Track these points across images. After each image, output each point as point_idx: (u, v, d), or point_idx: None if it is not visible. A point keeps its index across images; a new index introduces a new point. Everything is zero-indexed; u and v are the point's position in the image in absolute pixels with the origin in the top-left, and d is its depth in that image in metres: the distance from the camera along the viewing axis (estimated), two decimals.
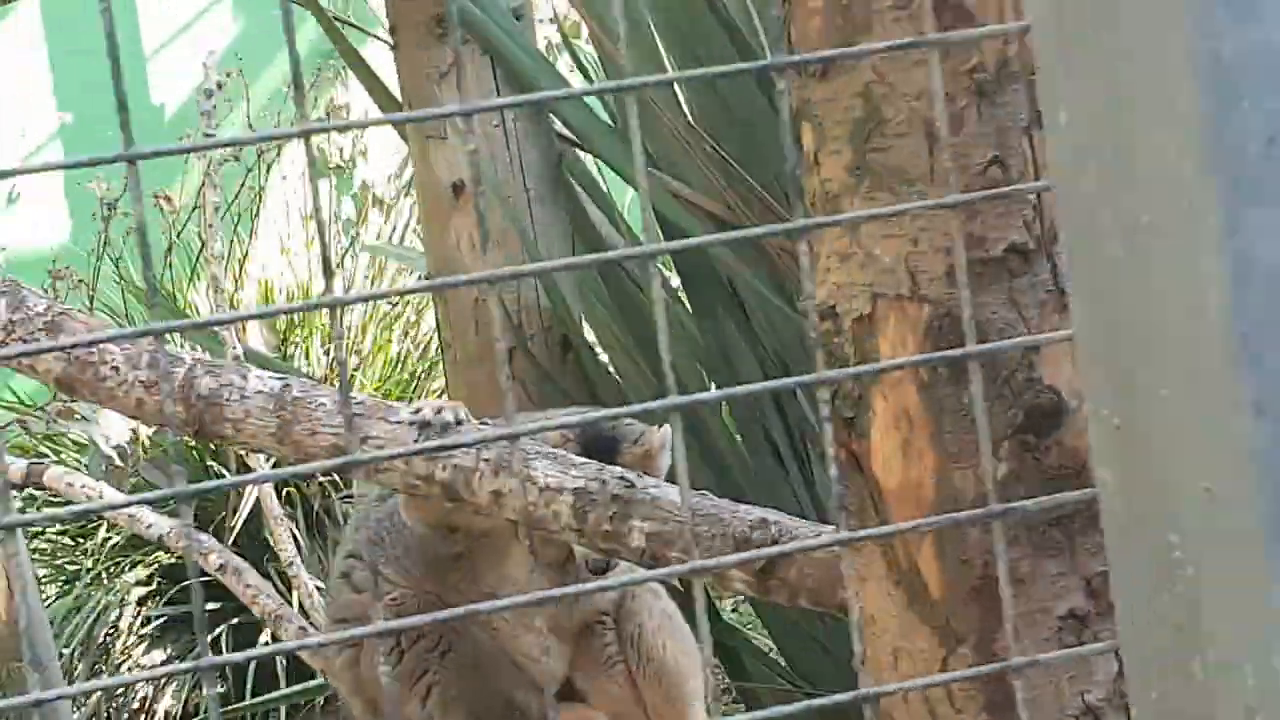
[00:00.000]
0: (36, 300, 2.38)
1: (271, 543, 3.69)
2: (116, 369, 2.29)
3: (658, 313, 0.96)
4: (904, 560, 1.84)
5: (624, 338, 3.92)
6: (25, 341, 2.31)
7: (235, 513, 5.79)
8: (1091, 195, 1.10)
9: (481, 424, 2.31)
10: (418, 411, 2.24)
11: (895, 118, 1.79)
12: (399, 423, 2.24)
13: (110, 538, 7.78)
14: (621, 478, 2.17)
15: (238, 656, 1.73)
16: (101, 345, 2.29)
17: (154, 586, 6.19)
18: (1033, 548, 1.80)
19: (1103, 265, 1.11)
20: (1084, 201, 1.11)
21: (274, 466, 6.03)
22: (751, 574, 2.15)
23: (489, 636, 2.75)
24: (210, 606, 4.68)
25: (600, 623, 2.81)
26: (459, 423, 2.24)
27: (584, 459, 2.21)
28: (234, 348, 3.55)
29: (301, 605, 3.34)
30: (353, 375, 7.40)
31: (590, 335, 4.11)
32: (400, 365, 7.38)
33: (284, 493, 3.65)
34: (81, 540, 7.66)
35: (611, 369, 4.02)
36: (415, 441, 2.21)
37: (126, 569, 9.06)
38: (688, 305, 3.96)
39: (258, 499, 3.98)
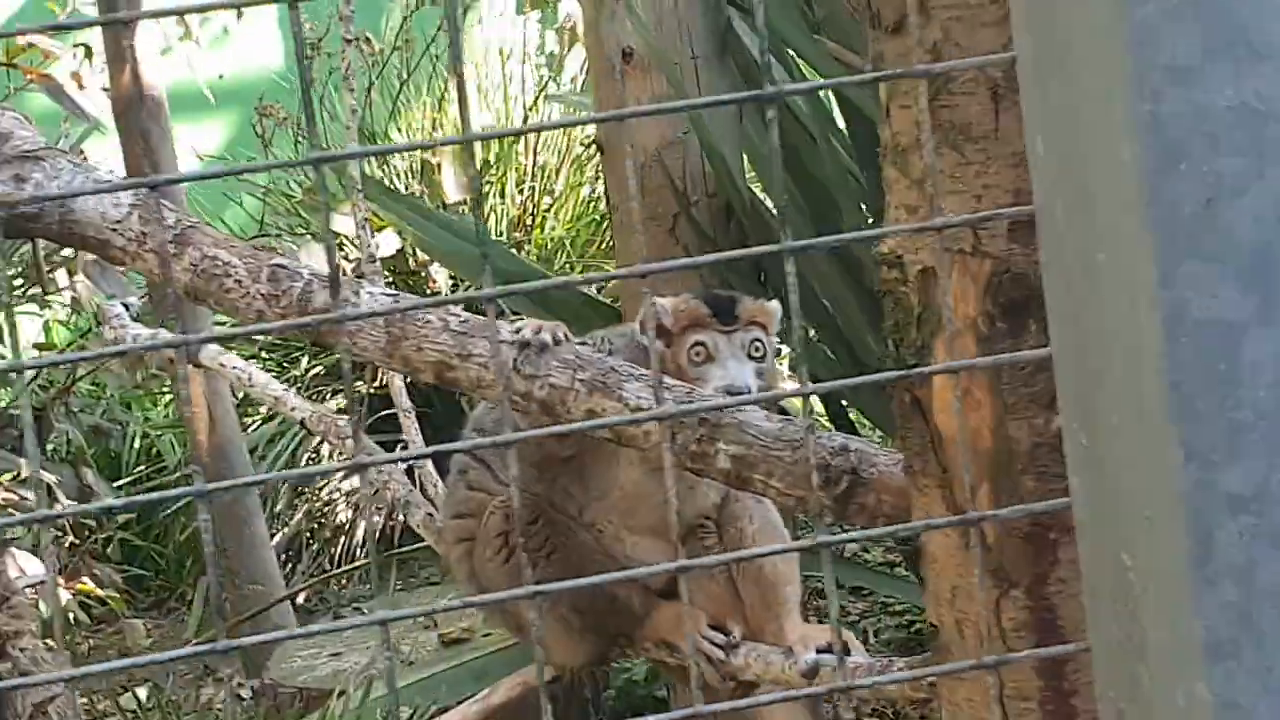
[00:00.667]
0: (168, 213, 2.51)
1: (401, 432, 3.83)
2: (239, 282, 2.41)
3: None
4: (963, 505, 1.91)
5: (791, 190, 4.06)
6: (156, 253, 2.44)
7: (365, 404, 5.97)
8: (1060, 224, 1.15)
9: (579, 343, 2.40)
10: (518, 331, 2.34)
11: (962, 76, 1.83)
12: (502, 341, 2.34)
13: (313, 367, 8.05)
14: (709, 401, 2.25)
15: None
16: (225, 259, 2.42)
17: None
18: None
19: (1070, 290, 1.16)
20: (1055, 228, 1.16)
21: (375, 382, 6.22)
22: (832, 498, 2.23)
23: (593, 537, 2.86)
24: None
25: (703, 525, 2.91)
26: (557, 342, 2.33)
27: (674, 381, 2.29)
28: (372, 247, 3.67)
29: (425, 492, 3.48)
30: (544, 215, 7.55)
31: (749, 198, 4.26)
32: (592, 205, 7.52)
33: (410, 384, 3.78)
34: (286, 368, 7.94)
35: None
36: (516, 361, 2.31)
37: (328, 396, 9.34)
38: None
39: (388, 391, 4.12)
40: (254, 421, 8.88)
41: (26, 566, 4.53)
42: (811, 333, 5.56)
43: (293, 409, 3.48)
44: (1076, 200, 1.12)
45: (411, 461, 3.76)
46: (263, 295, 2.40)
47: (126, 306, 3.94)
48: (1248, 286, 1.01)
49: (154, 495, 1.05)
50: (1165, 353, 1.05)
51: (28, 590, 4.02)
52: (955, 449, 1.90)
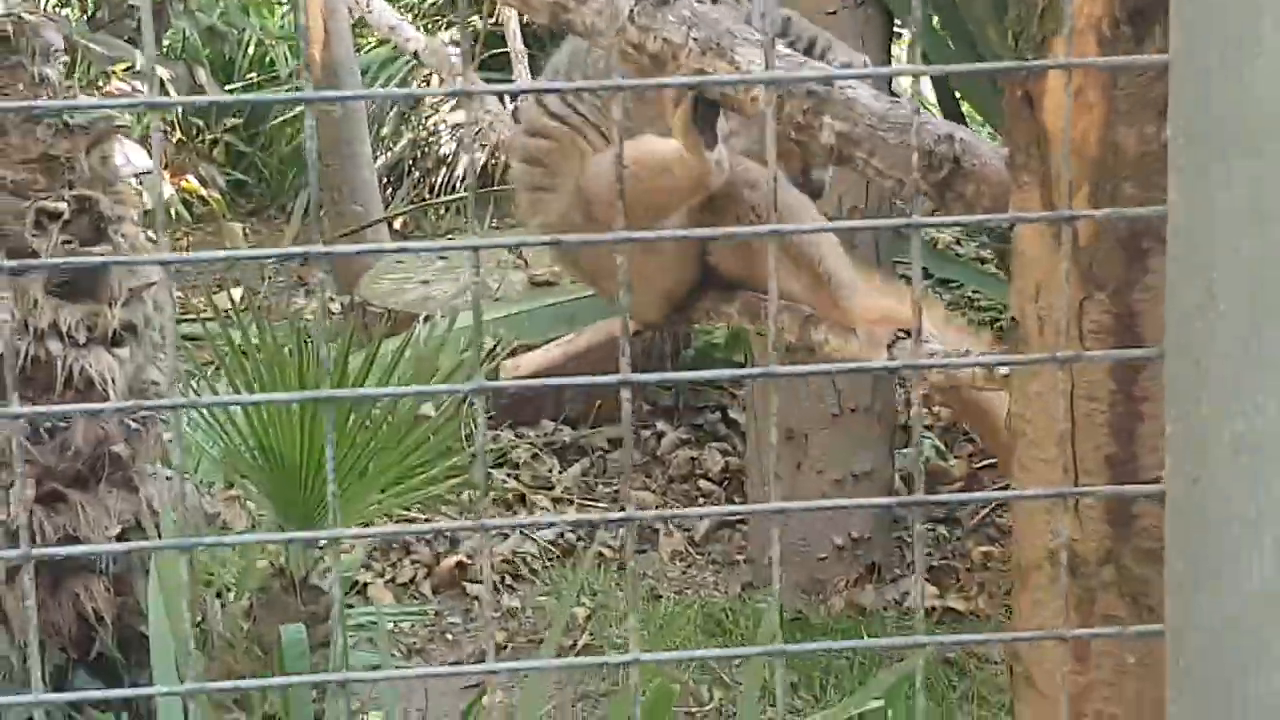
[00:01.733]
0: None
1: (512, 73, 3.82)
2: None
3: None
4: (1060, 203, 1.91)
5: None
6: None
7: (479, 40, 5.88)
8: None
9: (696, 0, 2.38)
10: None
11: None
12: None
13: None
14: (820, 75, 2.24)
15: None
16: None
17: None
18: None
19: None
20: None
21: (491, 18, 6.12)
22: (931, 185, 2.24)
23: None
24: None
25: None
26: None
27: (787, 50, 2.28)
28: None
29: None
30: None
31: None
32: None
33: None
34: None
35: None
36: (633, 11, 2.30)
37: (443, 28, 9.31)
38: None
39: (503, 30, 4.10)
40: (369, 44, 8.87)
41: (133, 156, 4.61)
42: (935, 20, 5.47)
43: (407, 39, 3.48)
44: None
45: (516, 97, 3.77)
46: None
47: None
48: None
49: (264, 96, 1.07)
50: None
51: (133, 180, 4.10)
52: (1060, 148, 1.89)
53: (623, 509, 1.16)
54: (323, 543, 3.90)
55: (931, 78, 5.85)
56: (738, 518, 5.98)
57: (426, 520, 5.88)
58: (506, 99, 3.89)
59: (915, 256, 1.28)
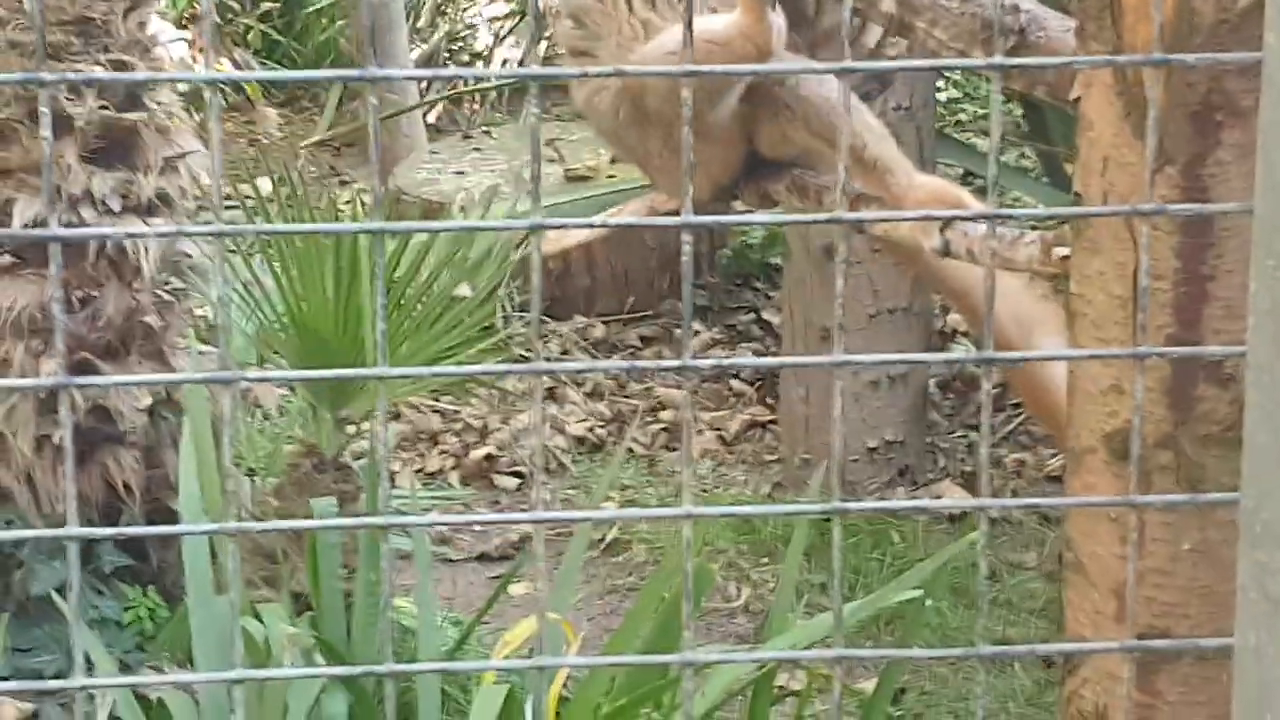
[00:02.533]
0: None
1: None
2: None
3: None
4: (1130, 72, 1.85)
5: None
6: None
7: None
8: None
9: None
10: None
11: None
12: None
13: None
14: None
15: None
16: None
17: None
18: None
19: None
20: None
21: None
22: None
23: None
24: None
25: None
26: None
27: None
28: None
29: None
30: None
31: None
32: None
33: None
34: None
35: None
36: None
37: None
38: None
39: None
40: None
41: (164, 30, 4.55)
42: None
43: None
44: None
45: None
46: None
47: None
48: None
49: None
50: None
51: (168, 46, 4.04)
52: (1134, 16, 1.83)
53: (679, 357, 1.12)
54: (353, 423, 3.87)
55: None
56: (768, 418, 5.94)
57: (455, 411, 5.86)
58: None
59: (994, 114, 1.22)
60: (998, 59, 1.19)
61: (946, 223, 2.47)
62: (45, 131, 1.12)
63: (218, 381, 1.17)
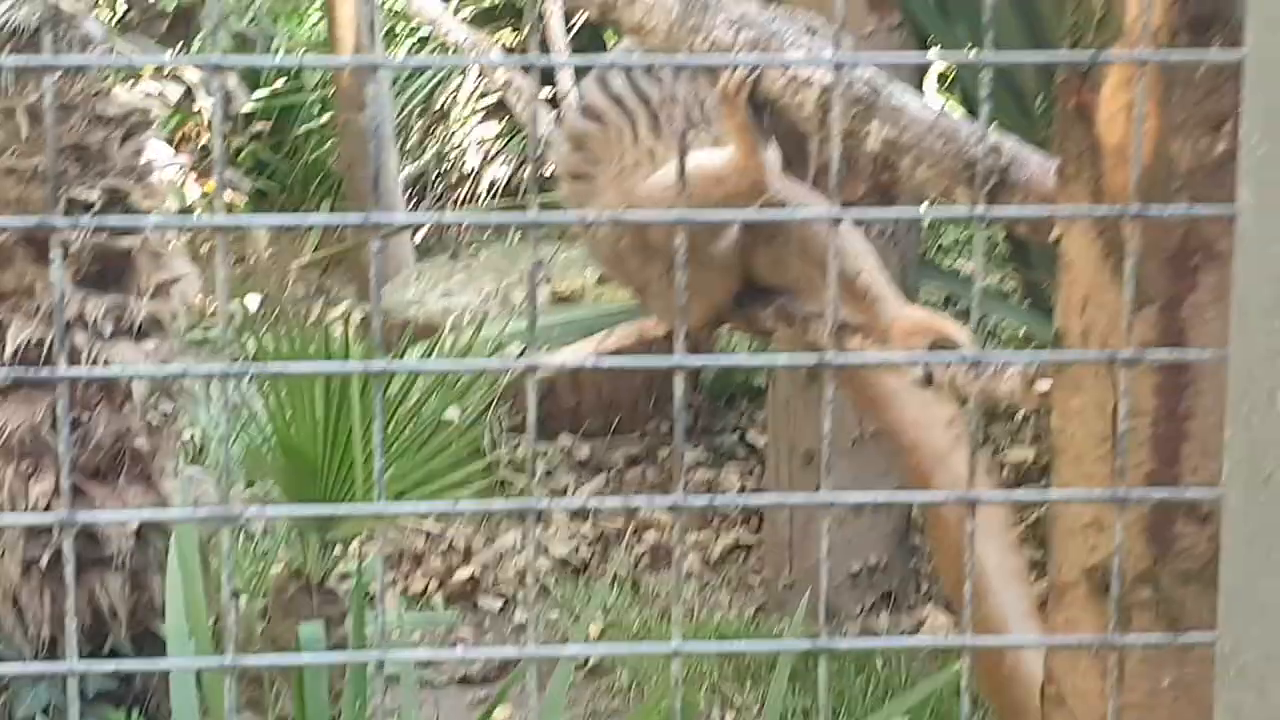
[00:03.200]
0: None
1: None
2: None
3: None
4: (1110, 215, 1.89)
5: None
6: None
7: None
8: None
9: None
10: None
11: None
12: None
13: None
14: (868, 83, 2.23)
15: None
16: None
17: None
18: None
19: None
20: None
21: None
22: (977, 195, 2.22)
23: None
24: None
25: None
26: None
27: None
28: None
29: None
30: None
31: None
32: None
33: None
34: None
35: None
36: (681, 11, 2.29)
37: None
38: None
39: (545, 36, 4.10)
40: (401, 41, 8.84)
41: (161, 153, 4.60)
42: (969, 44, 5.45)
43: (447, 31, 3.47)
44: None
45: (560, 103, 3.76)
46: None
47: None
48: None
49: (318, 59, 1.05)
50: None
51: (164, 174, 4.09)
52: (1113, 159, 1.87)
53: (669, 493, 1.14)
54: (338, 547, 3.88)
55: (962, 99, 5.83)
56: (752, 540, 5.95)
57: (442, 530, 5.86)
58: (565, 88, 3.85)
59: (977, 252, 1.26)
60: (980, 208, 1.23)
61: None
62: (55, 278, 1.15)
63: (218, 518, 1.19)
